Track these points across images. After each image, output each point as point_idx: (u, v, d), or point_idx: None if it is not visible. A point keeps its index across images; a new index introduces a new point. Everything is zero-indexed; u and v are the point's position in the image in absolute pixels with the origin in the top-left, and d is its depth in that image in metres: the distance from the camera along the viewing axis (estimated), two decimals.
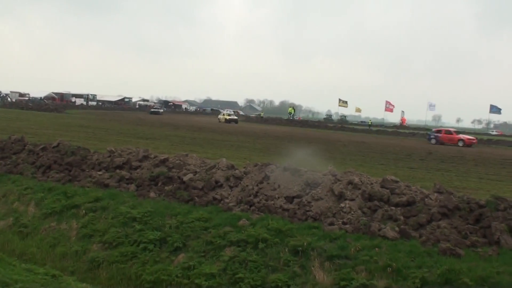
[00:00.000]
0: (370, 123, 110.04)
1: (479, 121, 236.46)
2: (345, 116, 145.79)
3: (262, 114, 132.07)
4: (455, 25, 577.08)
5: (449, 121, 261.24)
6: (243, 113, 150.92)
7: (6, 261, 9.54)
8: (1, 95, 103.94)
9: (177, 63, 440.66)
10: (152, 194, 12.54)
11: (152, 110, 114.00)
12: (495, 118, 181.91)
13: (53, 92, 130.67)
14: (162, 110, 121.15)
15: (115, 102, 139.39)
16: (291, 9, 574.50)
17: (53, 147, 15.99)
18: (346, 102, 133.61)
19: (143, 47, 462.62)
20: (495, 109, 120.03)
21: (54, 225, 11.87)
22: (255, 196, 11.83)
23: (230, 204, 11.67)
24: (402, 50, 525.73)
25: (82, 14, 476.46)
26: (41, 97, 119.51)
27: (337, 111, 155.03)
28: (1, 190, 13.81)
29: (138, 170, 14.03)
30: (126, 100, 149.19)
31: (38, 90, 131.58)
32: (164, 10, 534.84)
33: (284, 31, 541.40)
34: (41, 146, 16.28)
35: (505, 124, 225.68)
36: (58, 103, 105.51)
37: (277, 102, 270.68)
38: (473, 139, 56.99)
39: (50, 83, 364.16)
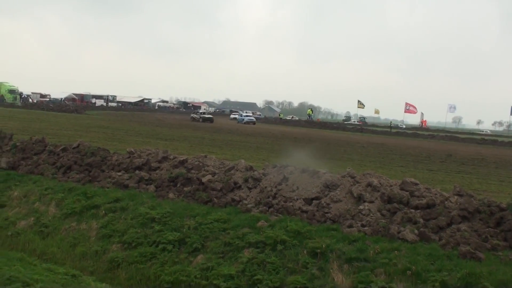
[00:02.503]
0: (390, 125, 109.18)
1: (500, 123, 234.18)
2: (364, 118, 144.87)
3: (281, 116, 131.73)
4: (475, 26, 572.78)
5: (469, 123, 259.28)
6: (260, 114, 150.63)
7: (27, 261, 9.65)
8: (23, 96, 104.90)
9: (197, 64, 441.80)
10: (171, 195, 12.60)
11: (204, 116, 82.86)
12: None
13: (73, 93, 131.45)
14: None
15: (135, 103, 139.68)
16: (310, 11, 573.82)
17: (73, 148, 16.12)
18: (363, 104, 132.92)
19: (162, 48, 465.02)
20: None
21: (74, 225, 11.99)
22: (274, 197, 11.83)
23: (249, 206, 11.69)
24: (422, 51, 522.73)
25: (101, 15, 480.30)
26: (61, 98, 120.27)
27: (356, 112, 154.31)
28: (22, 190, 13.96)
29: (157, 171, 14.10)
30: (145, 101, 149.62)
31: (58, 91, 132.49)
32: (184, 11, 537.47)
33: (304, 32, 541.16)
34: (62, 147, 16.42)
35: None
36: (79, 104, 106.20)
37: (296, 104, 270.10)
38: None
39: (71, 84, 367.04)
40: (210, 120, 78.90)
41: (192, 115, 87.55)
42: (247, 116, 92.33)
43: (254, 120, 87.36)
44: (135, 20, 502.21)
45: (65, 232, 11.87)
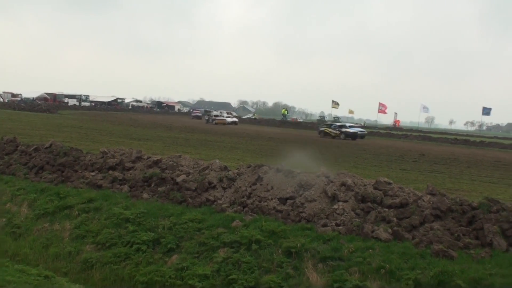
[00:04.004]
0: (364, 124, 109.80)
1: (472, 123, 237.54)
2: (338, 118, 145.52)
3: (255, 116, 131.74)
4: (452, 27, 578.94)
5: (442, 122, 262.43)
6: (235, 114, 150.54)
7: None
8: None
9: (171, 64, 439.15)
10: (145, 195, 12.53)
11: (347, 130, 56.71)
12: (488, 119, 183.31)
13: (45, 93, 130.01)
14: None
15: (108, 103, 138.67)
16: (287, 11, 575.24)
17: (46, 148, 15.96)
18: (338, 103, 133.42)
19: (137, 47, 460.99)
20: (487, 111, 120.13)
21: (47, 226, 11.85)
22: (249, 197, 11.84)
23: (224, 205, 11.68)
24: (397, 52, 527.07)
25: (74, 13, 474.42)
26: (33, 98, 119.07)
27: (330, 112, 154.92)
28: None
29: (131, 171, 14.01)
30: (119, 100, 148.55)
31: (30, 90, 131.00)
32: (160, 9, 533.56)
33: (279, 33, 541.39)
34: (34, 147, 16.24)
35: (497, 126, 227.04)
36: (51, 104, 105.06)
37: (270, 103, 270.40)
38: None
39: (43, 83, 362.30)
40: (353, 136, 55.73)
41: (322, 128, 60.80)
42: (353, 126, 65.35)
43: (365, 132, 64.52)
44: (109, 19, 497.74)
45: (37, 233, 11.73)
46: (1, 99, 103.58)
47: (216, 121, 78.25)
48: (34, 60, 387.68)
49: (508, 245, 9.10)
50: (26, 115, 58.49)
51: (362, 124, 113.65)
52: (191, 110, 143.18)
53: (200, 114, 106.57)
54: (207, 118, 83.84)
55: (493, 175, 26.08)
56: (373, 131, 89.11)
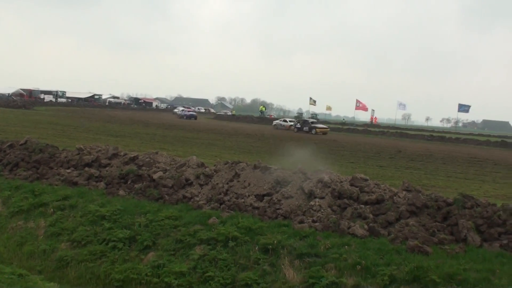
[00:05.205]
0: (343, 121, 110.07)
1: (448, 120, 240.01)
2: (316, 115, 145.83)
3: (233, 112, 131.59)
4: (427, 26, 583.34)
5: (418, 119, 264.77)
6: (214, 111, 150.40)
7: None
8: None
9: (149, 60, 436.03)
10: (121, 192, 12.45)
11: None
12: (464, 116, 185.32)
13: (21, 89, 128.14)
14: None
15: (85, 99, 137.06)
16: (267, 8, 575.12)
17: (21, 145, 15.77)
18: (315, 101, 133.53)
19: (114, 43, 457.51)
20: (463, 108, 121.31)
21: (21, 224, 11.70)
22: (226, 194, 11.83)
23: (200, 202, 11.65)
24: (375, 50, 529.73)
25: (51, 7, 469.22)
26: (8, 94, 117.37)
27: (308, 109, 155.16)
28: None
29: (107, 168, 13.91)
30: (96, 97, 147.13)
31: (5, 86, 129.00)
32: (138, 4, 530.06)
33: (257, 31, 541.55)
34: (8, 144, 16.03)
35: (473, 123, 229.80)
36: (27, 100, 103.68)
37: (248, 100, 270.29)
38: None
39: (19, 79, 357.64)
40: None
41: None
42: None
43: None
44: (86, 13, 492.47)
45: (12, 231, 11.58)
46: None
47: (317, 129, 59.12)
48: (9, 55, 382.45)
49: (482, 240, 9.24)
50: (1, 111, 57.70)
51: (342, 121, 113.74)
52: (181, 108, 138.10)
53: (195, 113, 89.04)
54: (299, 126, 62.34)
55: (468, 172, 26.43)
56: (350, 127, 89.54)
